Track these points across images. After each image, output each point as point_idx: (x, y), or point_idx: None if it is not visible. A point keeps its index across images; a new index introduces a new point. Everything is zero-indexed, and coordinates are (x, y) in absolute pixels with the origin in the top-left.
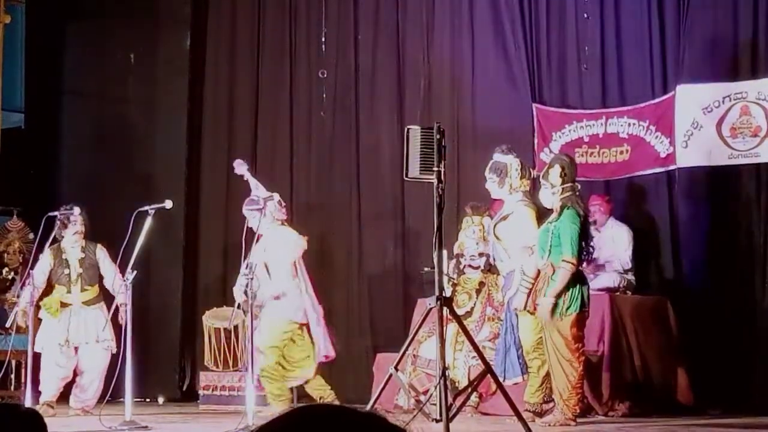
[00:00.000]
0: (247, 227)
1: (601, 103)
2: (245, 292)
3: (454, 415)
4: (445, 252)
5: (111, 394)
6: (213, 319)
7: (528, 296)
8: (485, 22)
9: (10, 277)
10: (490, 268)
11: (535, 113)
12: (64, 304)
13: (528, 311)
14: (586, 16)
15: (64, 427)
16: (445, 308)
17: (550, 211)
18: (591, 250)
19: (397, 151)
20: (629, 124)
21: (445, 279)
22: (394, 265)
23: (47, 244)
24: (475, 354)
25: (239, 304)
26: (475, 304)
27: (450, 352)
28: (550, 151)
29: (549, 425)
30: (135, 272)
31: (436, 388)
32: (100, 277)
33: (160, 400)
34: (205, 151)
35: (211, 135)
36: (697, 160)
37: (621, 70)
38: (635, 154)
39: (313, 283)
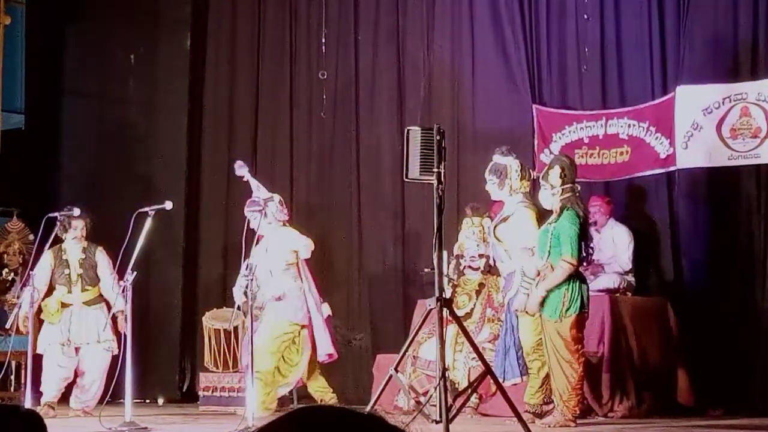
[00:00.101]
0: (248, 228)
1: (601, 104)
2: (245, 293)
3: (454, 416)
4: (445, 253)
5: (111, 395)
6: (213, 320)
7: (529, 297)
8: (485, 23)
9: (10, 278)
10: (490, 270)
11: (535, 114)
12: (64, 305)
13: (527, 312)
14: (586, 17)
15: (64, 428)
16: (445, 309)
17: (551, 212)
18: (591, 251)
19: (397, 152)
20: (629, 125)
21: (445, 280)
22: (394, 265)
23: (47, 245)
24: (474, 355)
25: (239, 305)
26: (474, 306)
27: (450, 353)
28: (550, 152)
29: (549, 426)
30: (135, 273)
31: (435, 389)
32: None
33: (160, 401)
34: (205, 151)
35: (211, 135)
36: (697, 161)
37: (621, 71)
38: (635, 155)
39: (315, 283)
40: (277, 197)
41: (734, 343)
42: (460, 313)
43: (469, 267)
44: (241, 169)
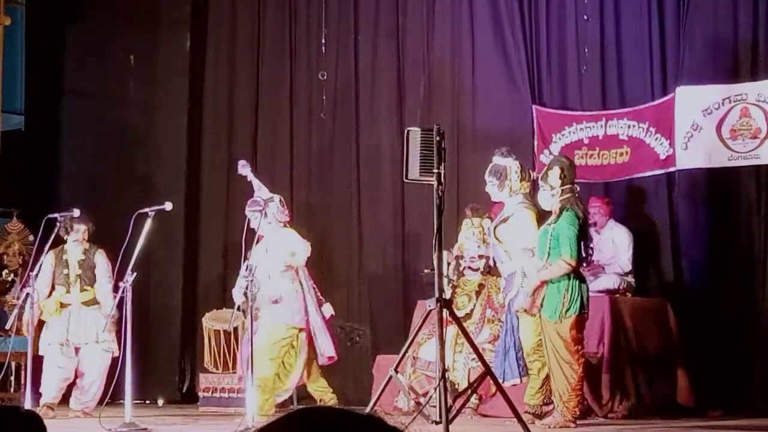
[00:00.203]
0: (248, 228)
1: (600, 104)
2: (245, 294)
3: (454, 417)
4: (445, 253)
5: (111, 395)
6: (213, 321)
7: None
8: (485, 23)
9: (9, 279)
10: (490, 270)
11: (534, 115)
12: (63, 305)
13: (525, 310)
14: (585, 17)
15: (63, 429)
16: (444, 310)
17: (550, 213)
18: (590, 252)
19: (397, 152)
20: (629, 126)
21: (444, 281)
22: (394, 266)
23: (48, 245)
24: (474, 356)
25: (239, 306)
26: (474, 306)
27: (450, 354)
28: (550, 153)
29: (549, 427)
30: (135, 274)
31: (435, 390)
32: None
33: (160, 401)
34: (205, 151)
35: (211, 135)
36: (697, 162)
37: (621, 71)
38: (635, 155)
39: (315, 284)
40: (277, 198)
41: (734, 344)
42: (459, 313)
43: (469, 268)
44: (244, 169)
